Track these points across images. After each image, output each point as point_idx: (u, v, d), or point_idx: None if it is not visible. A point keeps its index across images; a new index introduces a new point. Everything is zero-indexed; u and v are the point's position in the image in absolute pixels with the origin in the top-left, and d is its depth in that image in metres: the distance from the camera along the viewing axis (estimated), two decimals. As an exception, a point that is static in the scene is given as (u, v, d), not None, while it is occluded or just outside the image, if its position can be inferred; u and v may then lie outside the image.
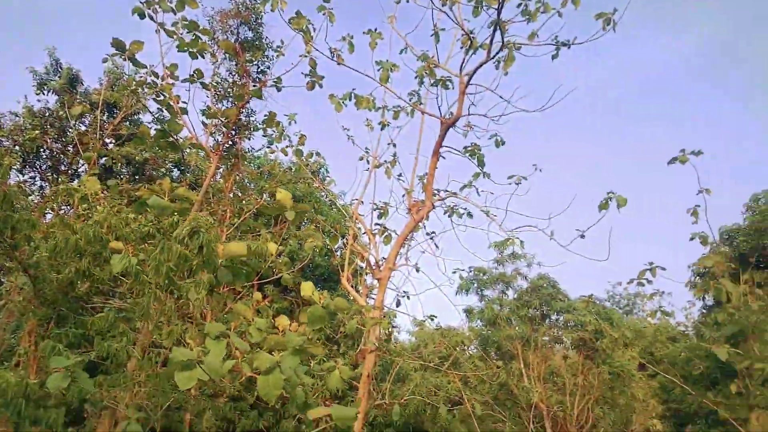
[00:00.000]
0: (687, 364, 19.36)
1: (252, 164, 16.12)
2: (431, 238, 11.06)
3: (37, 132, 18.13)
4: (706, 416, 19.13)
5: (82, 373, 6.52)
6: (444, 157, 8.92)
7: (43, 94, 18.31)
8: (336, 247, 18.35)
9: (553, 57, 6.87)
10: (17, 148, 17.90)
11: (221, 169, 11.76)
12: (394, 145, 9.87)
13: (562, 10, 6.43)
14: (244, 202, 12.23)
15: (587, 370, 18.02)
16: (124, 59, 9.04)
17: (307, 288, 5.67)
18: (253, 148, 12.87)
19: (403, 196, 9.75)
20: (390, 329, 17.04)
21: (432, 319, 11.63)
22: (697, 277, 21.47)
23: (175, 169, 18.71)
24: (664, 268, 8.48)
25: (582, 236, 7.44)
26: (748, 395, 9.30)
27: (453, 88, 8.58)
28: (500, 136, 8.86)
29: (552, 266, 22.44)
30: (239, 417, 15.89)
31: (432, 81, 8.43)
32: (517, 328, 19.16)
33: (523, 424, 17.98)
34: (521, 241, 8.52)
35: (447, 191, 9.24)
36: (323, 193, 19.33)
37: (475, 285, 20.60)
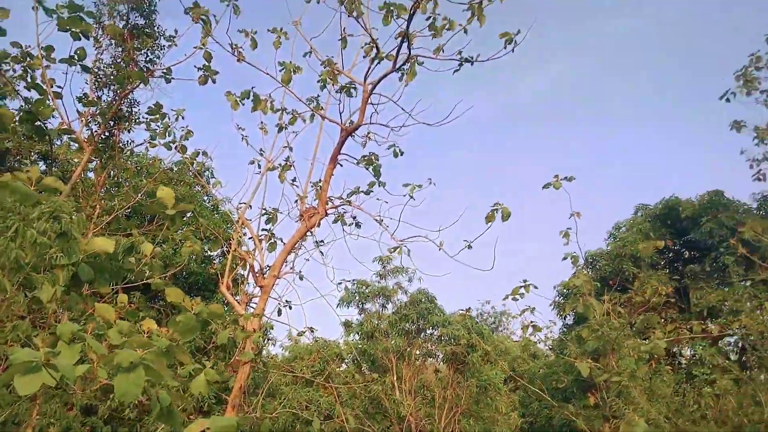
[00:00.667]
0: (545, 379, 20.55)
1: (130, 161, 14.95)
2: (318, 247, 10.81)
3: None
4: (560, 428, 20.34)
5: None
6: (341, 165, 8.76)
7: None
8: (215, 254, 17.49)
9: (455, 71, 7.00)
10: None
11: (94, 163, 10.74)
12: (291, 149, 9.55)
13: (469, 27, 6.57)
14: (117, 199, 11.22)
15: (456, 384, 18.53)
16: (-12, 29, 7.99)
17: (174, 294, 5.17)
18: (133, 142, 11.92)
19: (296, 201, 9.45)
20: (265, 341, 16.46)
21: (312, 331, 11.32)
22: (561, 297, 22.99)
23: (42, 162, 16.89)
24: (536, 287, 8.88)
25: (469, 247, 7.59)
26: (605, 407, 9.97)
27: (356, 96, 8.47)
28: (398, 147, 8.87)
29: (438, 275, 22.63)
30: (91, 432, 14.45)
31: (337, 87, 8.26)
32: (393, 341, 19.29)
33: (392, 437, 18.05)
34: (408, 251, 8.53)
35: (341, 198, 9.06)
36: (206, 197, 18.40)
37: (357, 298, 20.54)
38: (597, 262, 24.97)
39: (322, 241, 10.59)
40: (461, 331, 18.45)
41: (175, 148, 11.16)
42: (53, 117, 9.21)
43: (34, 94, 9.17)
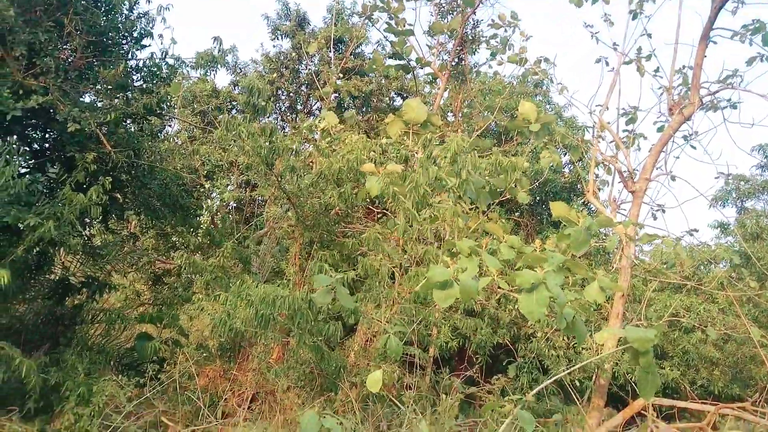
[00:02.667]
0: None
1: (475, 82, 15.58)
2: (688, 142, 9.64)
3: (274, 75, 19.62)
4: None
5: (342, 289, 6.94)
6: (715, 42, 7.44)
7: (277, 39, 19.64)
8: (565, 162, 17.24)
9: None
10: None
11: (448, 89, 11.49)
12: (649, 36, 8.51)
13: None
14: (473, 120, 11.91)
15: None
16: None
17: (560, 208, 5.11)
18: (477, 63, 12.33)
19: (661, 94, 8.48)
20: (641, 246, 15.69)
21: (691, 234, 10.34)
22: None
23: (398, 98, 18.94)
24: None
25: None
26: None
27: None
28: (793, 7, 7.06)
29: None
30: (473, 333, 16.03)
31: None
32: (787, 242, 16.31)
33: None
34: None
35: (719, 82, 7.76)
36: (548, 106, 18.08)
37: (734, 195, 17.86)
38: None
39: (694, 133, 9.38)
40: None
41: (518, 63, 11.14)
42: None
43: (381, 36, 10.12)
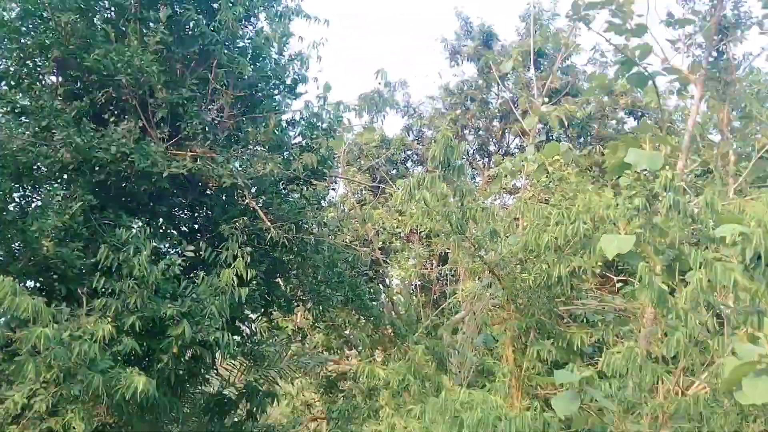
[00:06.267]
0: None
1: (747, 82, 14.22)
2: None
3: (458, 112, 19.81)
4: None
5: (594, 391, 6.38)
6: None
7: (457, 64, 19.96)
8: None
9: None
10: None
11: (707, 97, 10.59)
12: None
13: None
14: (749, 136, 10.87)
15: None
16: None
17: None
18: (750, 55, 11.22)
19: None
20: None
21: None
22: None
23: (629, 117, 18.11)
24: None
25: None
26: None
27: None
28: None
29: None
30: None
31: None
32: None
33: None
34: None
35: None
36: None
37: None
38: None
39: None
40: None
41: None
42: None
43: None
